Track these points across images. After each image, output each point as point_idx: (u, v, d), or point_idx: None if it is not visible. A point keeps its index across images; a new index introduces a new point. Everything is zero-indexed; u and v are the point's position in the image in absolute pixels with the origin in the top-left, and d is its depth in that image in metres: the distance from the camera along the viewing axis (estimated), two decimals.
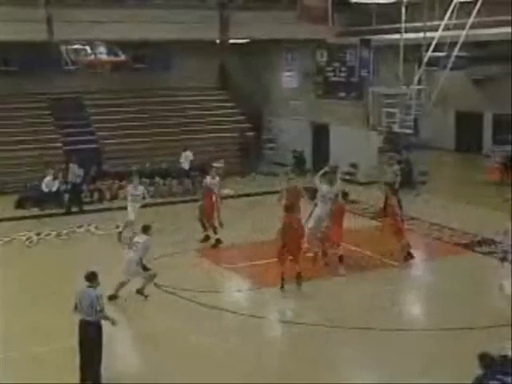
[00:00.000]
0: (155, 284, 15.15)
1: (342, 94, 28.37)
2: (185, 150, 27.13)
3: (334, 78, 28.89)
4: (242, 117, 32.35)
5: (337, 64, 28.63)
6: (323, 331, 12.82)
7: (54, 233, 20.53)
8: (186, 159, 26.98)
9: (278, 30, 27.52)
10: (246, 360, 11.80)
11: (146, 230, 14.69)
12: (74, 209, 23.45)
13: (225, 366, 11.47)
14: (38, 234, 20.30)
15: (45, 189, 24.14)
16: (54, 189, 24.30)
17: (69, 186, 24.54)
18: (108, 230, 20.94)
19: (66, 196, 24.50)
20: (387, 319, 13.36)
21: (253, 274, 16.09)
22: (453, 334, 12.63)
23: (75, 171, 23.70)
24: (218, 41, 27.06)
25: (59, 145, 28.16)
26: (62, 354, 11.53)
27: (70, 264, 17.23)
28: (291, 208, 15.14)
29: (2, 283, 15.49)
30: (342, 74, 28.37)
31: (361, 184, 26.35)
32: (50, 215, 22.94)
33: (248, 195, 25.46)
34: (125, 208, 19.42)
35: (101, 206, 24.24)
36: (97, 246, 19.32)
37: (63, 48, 26.04)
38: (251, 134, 30.41)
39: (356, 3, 25.59)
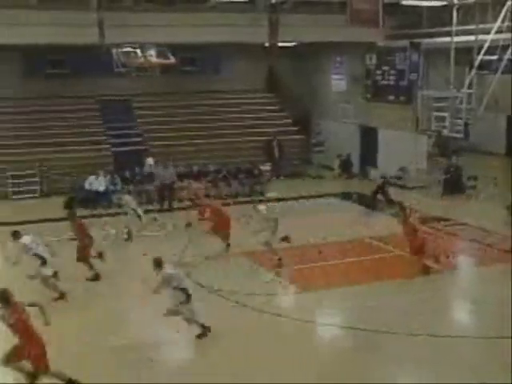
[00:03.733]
0: (202, 285, 15.26)
1: (391, 98, 28.14)
2: (147, 156, 27.68)
3: (382, 82, 28.68)
4: (289, 120, 32.33)
5: (386, 67, 28.41)
6: (370, 336, 12.75)
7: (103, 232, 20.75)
8: (148, 164, 27.33)
9: (327, 33, 27.40)
10: (291, 363, 11.76)
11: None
12: (166, 206, 24.36)
13: (268, 369, 11.46)
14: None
15: (87, 186, 24.60)
16: (102, 189, 24.68)
17: (121, 186, 25.11)
18: (155, 230, 21.11)
19: (114, 197, 24.85)
20: (435, 325, 13.19)
21: (299, 278, 16.05)
22: (497, 342, 12.40)
23: (170, 171, 24.93)
24: (267, 44, 27.05)
25: (107, 146, 28.55)
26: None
27: (113, 265, 17.34)
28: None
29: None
30: (391, 78, 28.14)
31: (409, 188, 26.14)
32: (99, 215, 23.20)
33: (295, 198, 25.41)
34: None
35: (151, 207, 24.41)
36: (149, 247, 19.37)
37: (114, 51, 26.32)
38: (281, 138, 30.33)
39: (406, 6, 25.35)
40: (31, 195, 25.97)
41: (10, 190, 26.01)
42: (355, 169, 30.04)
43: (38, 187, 26.32)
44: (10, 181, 26.09)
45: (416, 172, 26.75)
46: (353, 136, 30.52)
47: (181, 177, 26.24)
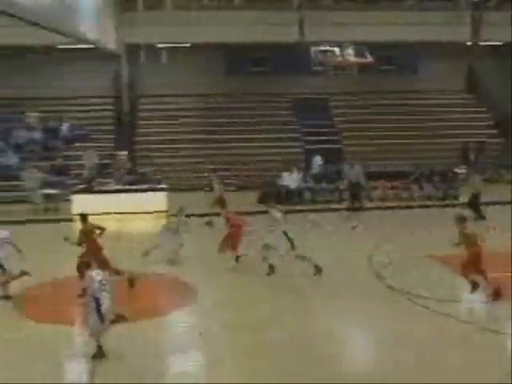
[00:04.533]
0: (393, 288, 15.09)
1: None
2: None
3: None
4: (489, 122, 31.13)
5: None
6: None
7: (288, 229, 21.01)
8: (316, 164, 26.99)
9: None
10: (478, 372, 11.36)
11: None
12: (355, 205, 24.28)
13: (455, 378, 11.14)
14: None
15: (282, 182, 25.10)
16: (294, 186, 25.14)
17: (310, 184, 25.46)
18: (341, 227, 21.25)
19: (307, 194, 25.26)
20: None
21: (490, 286, 15.39)
22: None
23: (358, 171, 24.84)
24: (468, 43, 26.25)
25: (301, 144, 29.01)
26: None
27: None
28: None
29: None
30: None
31: None
32: (291, 211, 23.59)
33: (490, 204, 24.38)
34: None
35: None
36: (326, 244, 19.46)
37: (312, 49, 26.70)
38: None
39: None
40: (226, 188, 26.90)
41: (205, 182, 27.15)
42: None
43: (233, 181, 27.27)
44: (206, 174, 27.24)
45: None
46: None
47: (373, 177, 26.08)
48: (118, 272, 14.20)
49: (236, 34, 26.14)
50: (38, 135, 28.12)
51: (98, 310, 11.08)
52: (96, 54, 25.87)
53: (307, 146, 28.84)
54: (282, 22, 25.02)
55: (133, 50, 28.45)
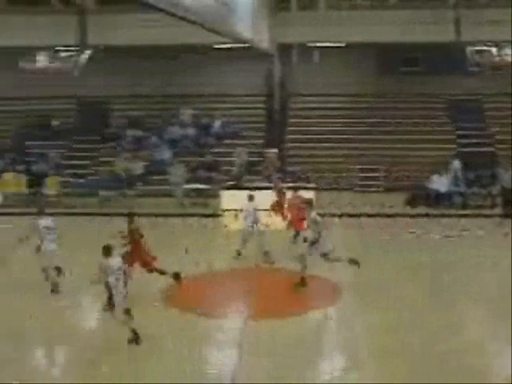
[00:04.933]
0: None
1: None
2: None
3: None
4: None
5: None
6: None
7: (437, 234, 20.64)
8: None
9: None
10: None
11: None
12: (508, 211, 23.05)
13: None
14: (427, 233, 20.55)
15: (431, 185, 24.51)
16: (444, 189, 24.51)
17: (461, 188, 24.73)
18: (492, 234, 20.52)
19: (458, 198, 24.58)
20: None
21: None
22: None
23: (509, 175, 24.02)
24: None
25: (453, 146, 28.20)
26: None
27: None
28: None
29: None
30: None
31: None
32: (442, 215, 23.11)
33: None
34: None
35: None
36: (476, 251, 18.85)
37: (468, 49, 25.97)
38: None
39: None
40: (375, 189, 26.69)
41: (358, 182, 27.01)
42: None
43: (381, 182, 26.97)
44: (358, 174, 27.12)
45: None
46: None
47: None
48: (162, 272, 14.38)
49: (390, 33, 25.83)
50: (190, 131, 29.10)
51: (110, 297, 11.67)
52: (249, 54, 26.39)
53: (459, 149, 28.00)
54: (437, 21, 24.46)
55: (285, 49, 28.79)
